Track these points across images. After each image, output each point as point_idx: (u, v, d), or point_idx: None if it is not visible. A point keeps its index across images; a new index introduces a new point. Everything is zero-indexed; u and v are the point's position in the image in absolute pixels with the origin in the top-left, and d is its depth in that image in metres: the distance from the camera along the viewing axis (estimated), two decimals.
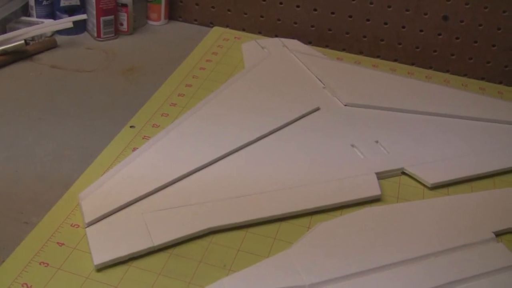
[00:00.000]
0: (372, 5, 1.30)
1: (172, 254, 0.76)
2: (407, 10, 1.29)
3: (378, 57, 1.35)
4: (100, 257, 0.73)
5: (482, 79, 1.33)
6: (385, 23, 1.31)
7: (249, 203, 0.83)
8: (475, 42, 1.30)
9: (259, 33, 1.38)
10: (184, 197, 0.83)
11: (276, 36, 1.36)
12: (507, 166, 0.99)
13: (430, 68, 1.34)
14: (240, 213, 0.81)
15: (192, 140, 0.94)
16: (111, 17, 1.27)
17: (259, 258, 0.76)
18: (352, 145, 0.96)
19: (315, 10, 1.33)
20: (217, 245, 0.78)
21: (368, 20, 1.32)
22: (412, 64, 1.34)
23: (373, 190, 0.89)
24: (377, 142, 0.98)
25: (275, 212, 0.82)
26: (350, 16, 1.32)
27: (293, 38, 1.34)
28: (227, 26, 1.39)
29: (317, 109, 1.05)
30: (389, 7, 1.29)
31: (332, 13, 1.33)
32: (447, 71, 1.34)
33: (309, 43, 1.36)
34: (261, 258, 0.76)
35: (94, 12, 1.25)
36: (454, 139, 1.03)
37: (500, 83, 1.32)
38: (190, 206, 0.81)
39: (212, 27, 1.39)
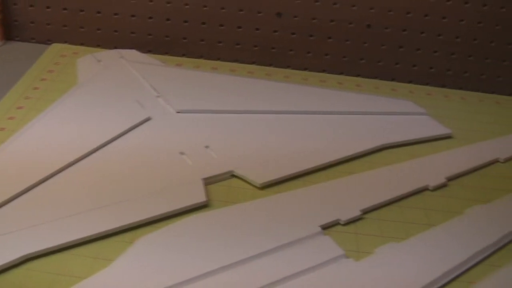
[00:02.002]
0: (206, 8, 1.30)
1: None
2: (241, 10, 1.29)
3: (218, 59, 1.34)
4: None
5: (323, 71, 1.34)
6: (221, 25, 1.31)
7: (68, 224, 0.80)
8: (311, 36, 1.31)
9: (98, 46, 1.36)
10: (1, 226, 0.79)
11: (115, 47, 1.33)
12: (340, 157, 1.00)
13: (271, 65, 1.34)
14: (58, 236, 0.79)
15: (14, 164, 0.91)
16: None
17: (78, 280, 0.74)
18: (181, 153, 0.95)
19: (150, 18, 1.32)
20: (35, 271, 0.75)
21: (204, 23, 1.32)
22: (253, 63, 1.35)
23: (199, 197, 0.87)
24: (207, 147, 0.97)
25: (95, 231, 0.80)
26: (186, 21, 1.32)
27: (132, 48, 1.31)
28: (65, 42, 1.36)
29: (148, 119, 1.03)
30: (223, 8, 1.29)
31: (168, 19, 1.32)
32: (288, 67, 1.34)
33: (148, 51, 1.34)
34: (80, 280, 0.73)
35: None
36: (288, 135, 1.04)
37: (341, 73, 1.33)
38: (5, 235, 0.78)
39: (50, 44, 1.34)
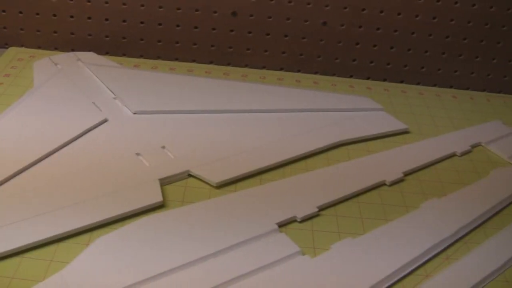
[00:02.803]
0: (161, 9, 1.30)
1: None
2: (196, 10, 1.29)
3: (176, 59, 1.35)
4: None
5: (281, 69, 1.35)
6: (177, 25, 1.31)
7: (22, 227, 0.80)
8: (268, 34, 1.32)
9: (55, 49, 1.36)
10: None
11: (73, 50, 1.33)
12: (296, 154, 1.01)
13: (229, 64, 1.35)
14: (12, 240, 0.78)
15: None
16: None
17: (33, 283, 0.74)
18: (137, 154, 0.95)
19: (106, 20, 1.32)
20: None
21: (160, 24, 1.32)
22: (210, 62, 1.35)
23: (154, 197, 0.87)
24: (163, 147, 0.97)
25: (50, 234, 0.80)
26: (142, 22, 1.31)
27: (89, 50, 1.30)
28: (22, 46, 1.35)
29: (105, 120, 1.03)
30: (179, 9, 1.29)
31: (124, 21, 1.32)
32: (246, 66, 1.35)
33: (106, 53, 1.34)
34: (35, 283, 0.73)
35: None
36: (245, 134, 1.05)
37: (298, 71, 1.34)
38: None
39: (7, 48, 1.33)
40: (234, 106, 1.11)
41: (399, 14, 1.29)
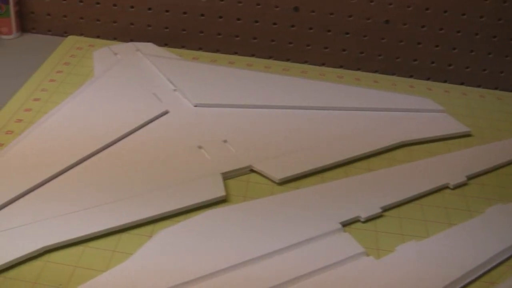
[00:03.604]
0: (223, 2, 1.29)
1: (6, 278, 0.72)
2: (258, 5, 1.28)
3: (235, 53, 1.34)
4: None
5: (340, 67, 1.33)
6: (238, 19, 1.30)
7: (87, 216, 0.80)
8: (329, 31, 1.30)
9: (114, 39, 1.36)
10: (21, 217, 0.79)
11: (131, 40, 1.32)
12: (359, 153, 0.99)
13: (288, 60, 1.34)
14: (77, 228, 0.78)
15: (31, 156, 0.91)
16: None
17: (96, 273, 0.73)
18: (199, 147, 0.94)
19: (167, 11, 1.31)
20: (53, 263, 0.75)
21: (220, 17, 1.31)
22: (270, 57, 1.34)
23: (217, 191, 0.87)
24: (225, 141, 0.96)
25: (114, 224, 0.80)
26: (202, 15, 1.31)
27: (148, 41, 1.30)
28: (81, 34, 1.36)
29: (166, 112, 1.03)
30: (240, 2, 1.28)
31: (184, 13, 1.31)
32: (305, 62, 1.34)
33: (165, 45, 1.34)
34: (99, 273, 0.73)
35: None
36: (307, 131, 1.03)
37: (358, 69, 1.32)
38: (25, 226, 0.77)
39: (66, 36, 1.33)
40: (294, 102, 1.10)
41: (463, 14, 1.27)
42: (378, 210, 0.87)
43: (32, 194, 0.84)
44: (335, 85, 1.20)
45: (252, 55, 1.34)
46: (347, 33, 1.31)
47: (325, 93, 1.15)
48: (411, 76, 1.34)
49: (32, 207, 0.81)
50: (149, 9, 1.32)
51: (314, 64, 1.33)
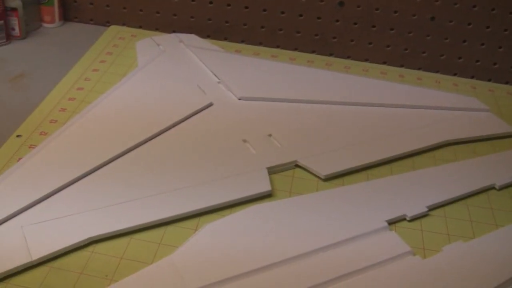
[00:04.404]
0: None
1: (53, 268, 0.73)
2: None
3: (277, 47, 1.33)
4: None
5: (384, 63, 1.32)
6: (282, 12, 1.30)
7: (132, 208, 0.80)
8: (373, 26, 1.29)
9: (157, 29, 1.35)
10: (67, 206, 0.79)
11: (174, 31, 1.32)
12: (404, 151, 0.98)
13: (331, 55, 1.33)
14: (123, 220, 0.78)
15: (76, 146, 0.91)
16: (0, 22, 1.21)
17: (142, 265, 0.73)
18: (244, 140, 0.94)
19: (210, 3, 1.31)
20: (99, 254, 0.75)
21: (264, 10, 1.30)
22: (313, 52, 1.33)
23: (263, 186, 0.86)
24: (270, 135, 0.95)
25: (160, 216, 0.79)
26: (246, 7, 1.30)
27: (190, 32, 1.30)
28: (123, 24, 1.36)
29: (210, 104, 1.02)
30: None
31: (228, 5, 1.31)
32: (348, 57, 1.33)
33: (207, 36, 1.34)
34: (145, 265, 0.73)
35: None
36: (351, 127, 1.02)
37: (401, 66, 1.31)
38: (72, 216, 0.77)
39: (109, 26, 1.33)
40: (337, 98, 1.10)
41: (510, 13, 1.24)
42: (424, 209, 0.86)
43: (78, 183, 0.84)
44: (379, 81, 1.19)
45: (295, 49, 1.33)
46: (392, 29, 1.29)
47: (368, 89, 1.14)
48: (455, 74, 1.33)
49: (78, 197, 0.81)
50: (193, 0, 1.30)
51: (358, 60, 1.32)
